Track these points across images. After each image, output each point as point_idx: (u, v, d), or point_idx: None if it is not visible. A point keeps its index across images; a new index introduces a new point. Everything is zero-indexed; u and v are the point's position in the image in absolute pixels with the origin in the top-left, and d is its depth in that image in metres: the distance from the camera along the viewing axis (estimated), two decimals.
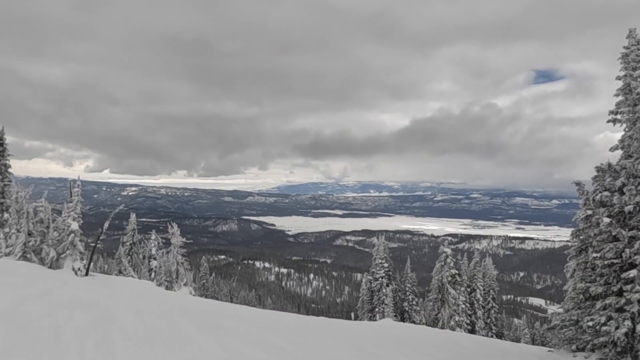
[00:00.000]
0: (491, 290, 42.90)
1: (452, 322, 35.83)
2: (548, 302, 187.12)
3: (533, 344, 45.09)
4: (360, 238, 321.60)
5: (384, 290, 39.39)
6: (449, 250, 36.90)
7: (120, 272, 36.73)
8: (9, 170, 26.78)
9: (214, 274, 79.89)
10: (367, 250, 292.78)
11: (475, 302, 40.12)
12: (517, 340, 43.67)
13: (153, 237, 40.50)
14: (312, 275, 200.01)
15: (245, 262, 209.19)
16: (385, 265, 40.45)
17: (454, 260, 37.30)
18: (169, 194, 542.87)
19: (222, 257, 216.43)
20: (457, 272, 36.90)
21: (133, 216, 40.81)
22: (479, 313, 40.12)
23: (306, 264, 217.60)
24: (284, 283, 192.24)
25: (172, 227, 36.88)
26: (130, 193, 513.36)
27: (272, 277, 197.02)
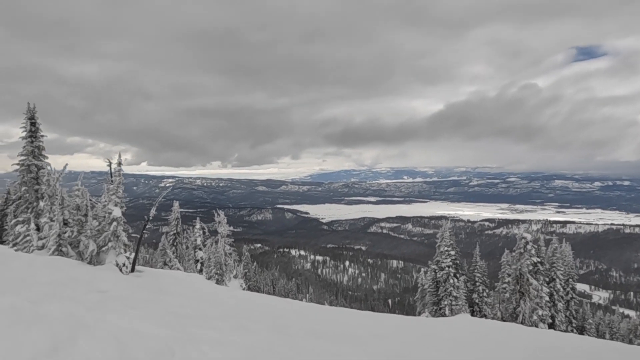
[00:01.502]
0: (570, 280, 38.18)
1: (535, 317, 31.54)
2: (593, 287, 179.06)
3: (598, 335, 40.36)
4: (395, 225, 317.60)
5: (452, 281, 35.30)
6: (529, 236, 32.45)
7: (165, 264, 34.09)
8: (43, 153, 24.03)
9: (255, 263, 77.96)
10: (402, 236, 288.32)
11: (554, 293, 35.53)
12: (581, 331, 38.99)
13: (198, 226, 37.78)
14: (347, 263, 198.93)
15: (281, 250, 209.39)
16: (452, 253, 36.30)
17: (535, 247, 32.83)
18: (205, 184, 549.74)
19: (258, 245, 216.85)
20: (538, 260, 32.46)
21: (176, 205, 38.05)
22: (559, 305, 35.53)
23: (341, 252, 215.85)
24: (319, 271, 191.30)
25: (218, 215, 33.92)
26: (167, 185, 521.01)
27: (308, 265, 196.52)
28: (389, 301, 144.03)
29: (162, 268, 33.41)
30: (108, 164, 17.52)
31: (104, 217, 16.14)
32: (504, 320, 32.31)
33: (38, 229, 17.53)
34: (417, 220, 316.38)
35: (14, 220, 24.52)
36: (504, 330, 20.47)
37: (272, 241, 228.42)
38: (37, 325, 4.57)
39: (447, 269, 35.91)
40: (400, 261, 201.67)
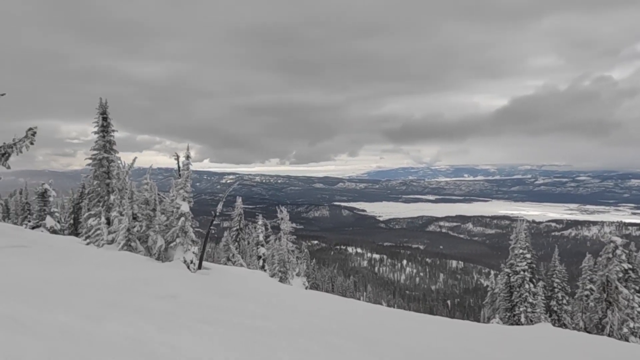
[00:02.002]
0: None
1: (625, 329, 28.51)
2: None
3: None
4: (454, 224, 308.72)
5: (527, 287, 32.78)
6: (619, 240, 29.39)
7: (228, 259, 34.10)
8: (114, 147, 24.37)
9: (314, 260, 77.69)
10: (461, 236, 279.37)
11: None
12: None
13: (260, 222, 37.47)
14: (404, 262, 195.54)
15: (338, 247, 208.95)
16: (528, 256, 33.70)
17: (626, 252, 29.70)
18: (263, 181, 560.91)
19: (315, 242, 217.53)
20: (630, 266, 29.34)
21: (239, 200, 37.96)
22: None
23: (398, 250, 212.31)
24: (376, 269, 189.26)
25: (281, 211, 33.35)
26: (228, 181, 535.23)
27: (365, 263, 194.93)
28: (448, 302, 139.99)
29: (226, 264, 33.37)
30: (176, 157, 17.15)
31: (172, 212, 15.75)
32: (588, 332, 29.52)
33: (108, 222, 17.51)
34: (478, 220, 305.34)
35: (86, 214, 25.11)
36: (593, 344, 18.31)
37: (329, 238, 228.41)
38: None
39: (522, 273, 33.39)
40: (460, 261, 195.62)
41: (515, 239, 35.22)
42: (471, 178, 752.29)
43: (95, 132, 24.41)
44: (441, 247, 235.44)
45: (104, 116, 24.36)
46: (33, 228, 39.65)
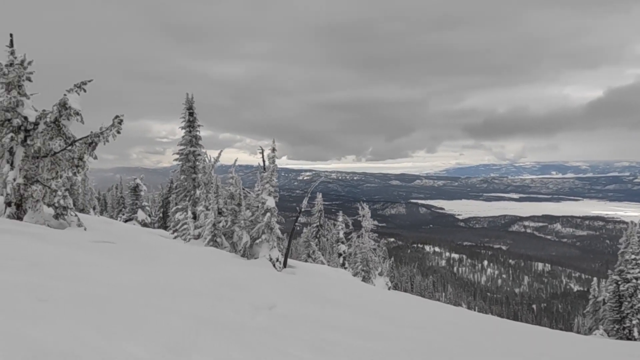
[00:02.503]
0: None
1: None
2: None
3: None
4: (541, 224, 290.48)
5: None
6: None
7: (309, 256, 33.68)
8: (200, 142, 24.62)
9: (392, 258, 75.91)
10: (548, 237, 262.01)
11: None
12: None
13: (340, 219, 36.76)
14: (485, 262, 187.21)
15: (415, 245, 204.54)
16: None
17: None
18: (340, 178, 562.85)
19: (392, 240, 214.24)
20: None
21: (319, 197, 37.43)
22: None
23: (479, 250, 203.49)
24: (455, 269, 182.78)
25: (362, 208, 32.29)
26: (305, 178, 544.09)
27: (443, 262, 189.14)
28: (534, 307, 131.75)
29: (306, 260, 32.98)
30: (261, 151, 16.63)
31: (257, 207, 15.22)
32: None
33: (194, 217, 17.43)
34: (568, 220, 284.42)
35: (174, 208, 25.68)
36: None
37: (406, 236, 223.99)
38: None
39: (635, 281, 29.69)
40: (546, 264, 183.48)
41: (626, 243, 31.47)
42: (560, 175, 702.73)
43: (182, 128, 24.81)
44: (526, 248, 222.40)
45: (190, 111, 24.69)
46: (126, 221, 41.89)
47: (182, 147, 24.70)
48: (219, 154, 18.49)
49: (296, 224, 17.15)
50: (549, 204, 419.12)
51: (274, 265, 13.90)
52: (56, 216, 11.27)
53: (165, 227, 45.99)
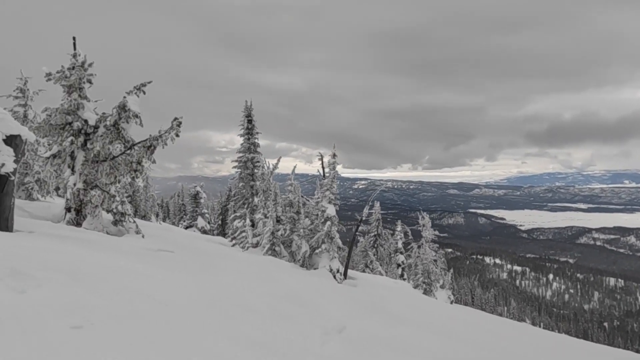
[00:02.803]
0: None
1: None
2: None
3: None
4: (612, 236, 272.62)
5: None
6: None
7: (366, 266, 32.85)
8: (258, 150, 24.60)
9: (452, 270, 73.22)
10: (621, 250, 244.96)
11: None
12: None
13: (399, 228, 35.69)
14: (551, 276, 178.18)
15: (474, 257, 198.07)
16: None
17: None
18: (395, 187, 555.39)
19: (449, 250, 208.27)
20: None
21: (377, 205, 36.57)
22: None
23: (544, 263, 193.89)
24: (518, 282, 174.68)
25: (423, 218, 31.04)
26: (360, 186, 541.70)
27: (504, 275, 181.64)
28: (605, 325, 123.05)
29: (364, 270, 32.17)
30: (320, 157, 16.16)
31: (317, 215, 14.72)
32: None
33: (253, 224, 17.21)
34: None
35: (232, 215, 25.80)
36: None
37: (464, 247, 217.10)
38: None
39: None
40: (619, 279, 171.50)
41: None
42: (634, 185, 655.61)
43: (241, 135, 24.93)
44: (596, 262, 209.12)
45: (249, 119, 24.76)
46: (186, 227, 42.94)
47: (240, 154, 24.78)
48: (278, 160, 18.26)
49: (357, 233, 16.47)
50: (622, 215, 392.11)
51: (334, 277, 13.30)
52: (115, 222, 11.21)
53: (224, 234, 46.77)
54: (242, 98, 23.58)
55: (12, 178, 6.63)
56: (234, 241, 25.19)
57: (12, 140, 6.58)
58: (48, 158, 10.83)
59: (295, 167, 16.50)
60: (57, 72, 11.39)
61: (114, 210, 11.19)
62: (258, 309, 5.13)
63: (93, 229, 10.78)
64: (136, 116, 11.25)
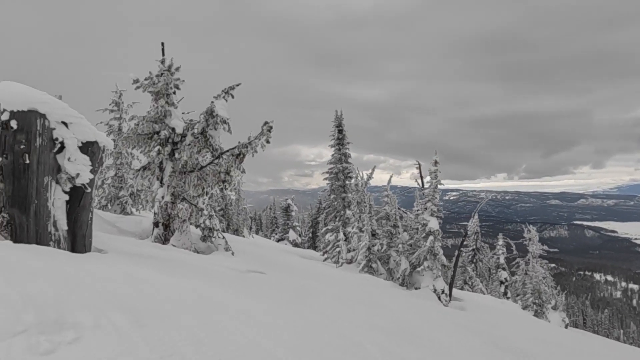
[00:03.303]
0: None
1: None
2: None
3: None
4: None
5: None
6: None
7: (465, 282, 30.57)
8: (349, 160, 23.84)
9: (558, 287, 66.84)
10: None
11: None
12: None
13: (500, 242, 32.92)
14: None
15: (581, 273, 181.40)
16: None
17: None
18: (489, 197, 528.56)
19: (553, 265, 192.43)
20: None
21: (476, 218, 33.98)
22: None
23: None
24: (634, 302, 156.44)
25: (529, 231, 28.24)
26: (452, 198, 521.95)
27: (618, 294, 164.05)
28: None
29: (462, 287, 29.97)
30: (417, 166, 14.93)
31: (417, 229, 13.47)
32: None
33: (346, 238, 16.32)
34: None
35: (324, 229, 25.22)
36: None
37: (569, 262, 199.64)
38: None
39: None
40: None
41: None
42: None
43: (331, 146, 24.31)
44: None
45: (339, 128, 24.11)
46: (278, 240, 43.30)
47: (331, 165, 24.17)
48: (372, 170, 17.19)
49: (461, 248, 14.93)
50: None
51: (439, 298, 11.96)
52: (203, 238, 10.76)
53: (315, 247, 46.56)
54: (329, 112, 22.99)
55: (89, 190, 6.10)
56: (325, 255, 24.51)
57: (89, 148, 6.12)
58: (138, 170, 10.67)
59: (391, 176, 15.34)
60: (146, 79, 11.05)
61: (202, 225, 10.70)
62: (370, 353, 4.12)
63: (181, 245, 10.24)
64: (224, 122, 10.47)
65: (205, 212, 10.60)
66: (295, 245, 41.77)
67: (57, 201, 5.88)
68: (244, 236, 21.74)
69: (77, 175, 5.72)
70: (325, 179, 24.75)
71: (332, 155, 24.20)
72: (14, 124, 5.47)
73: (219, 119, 10.45)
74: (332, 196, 24.19)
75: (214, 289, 5.16)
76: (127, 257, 6.38)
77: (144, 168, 10.81)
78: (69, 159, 5.68)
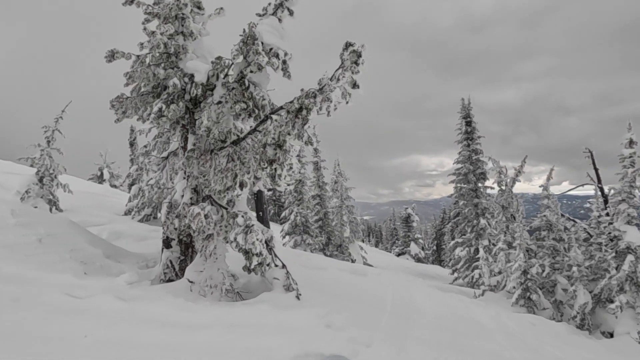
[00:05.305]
0: None
1: None
2: None
3: None
4: None
5: None
6: None
7: None
8: (481, 158, 19.38)
9: None
10: None
11: None
12: None
13: None
14: None
15: None
16: None
17: None
18: None
19: None
20: None
21: None
22: None
23: None
24: None
25: None
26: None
27: None
28: None
29: None
30: (589, 154, 10.41)
31: (599, 244, 9.01)
32: None
33: (487, 256, 12.17)
34: None
35: (452, 242, 20.98)
36: None
37: None
38: None
39: None
40: None
41: None
42: None
43: (458, 142, 20.05)
44: None
45: (467, 120, 19.80)
46: (399, 255, 39.34)
47: (458, 165, 19.93)
48: (522, 164, 12.62)
49: None
50: None
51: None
52: (247, 268, 5.78)
53: (440, 262, 41.67)
54: (453, 119, 18.65)
55: None
56: (455, 274, 20.25)
57: None
58: (166, 158, 6.82)
59: (552, 169, 10.77)
60: None
61: (239, 243, 5.76)
62: None
63: (204, 282, 5.91)
64: (276, 56, 5.62)
65: (240, 219, 5.84)
66: (418, 260, 37.43)
67: None
68: (349, 253, 18.42)
69: None
70: (452, 181, 20.57)
71: (459, 153, 19.96)
72: None
73: (264, 46, 5.58)
74: (460, 202, 19.92)
75: None
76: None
77: (173, 153, 6.84)
78: None
